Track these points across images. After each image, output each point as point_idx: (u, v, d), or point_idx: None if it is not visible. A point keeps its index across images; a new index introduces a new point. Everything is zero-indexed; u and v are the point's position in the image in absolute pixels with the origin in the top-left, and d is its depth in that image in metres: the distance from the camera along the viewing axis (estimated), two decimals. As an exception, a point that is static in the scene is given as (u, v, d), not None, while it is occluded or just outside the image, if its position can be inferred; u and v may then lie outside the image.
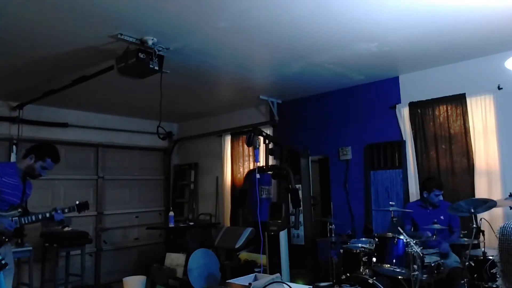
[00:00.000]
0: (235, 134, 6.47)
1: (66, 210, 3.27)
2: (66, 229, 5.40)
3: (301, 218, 4.77)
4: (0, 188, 2.95)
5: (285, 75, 4.71)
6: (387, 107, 4.92)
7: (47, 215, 3.19)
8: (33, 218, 3.12)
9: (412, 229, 4.12)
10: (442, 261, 3.44)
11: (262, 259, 4.47)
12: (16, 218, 3.03)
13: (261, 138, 4.64)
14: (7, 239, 2.97)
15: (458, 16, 3.27)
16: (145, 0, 2.86)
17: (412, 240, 3.31)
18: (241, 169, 6.30)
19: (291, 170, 4.70)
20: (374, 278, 3.43)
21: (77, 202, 3.42)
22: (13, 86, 4.87)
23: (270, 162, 5.33)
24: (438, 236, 3.62)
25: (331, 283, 3.98)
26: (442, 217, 3.83)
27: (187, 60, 4.07)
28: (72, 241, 5.34)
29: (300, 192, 4.89)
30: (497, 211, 3.89)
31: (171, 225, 5.79)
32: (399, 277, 3.40)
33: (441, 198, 4.06)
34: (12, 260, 3.18)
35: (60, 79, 4.51)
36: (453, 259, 3.68)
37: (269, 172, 5.13)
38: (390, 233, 3.56)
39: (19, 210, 3.07)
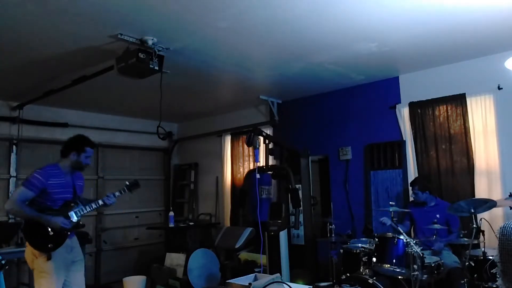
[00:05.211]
0: (235, 134, 6.46)
1: (117, 194, 3.41)
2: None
3: (301, 218, 4.77)
4: (49, 190, 3.07)
5: (285, 75, 4.71)
6: (387, 107, 4.92)
7: (100, 202, 3.36)
8: (88, 209, 3.30)
9: (411, 226, 4.17)
10: (442, 261, 3.44)
11: (262, 259, 4.48)
12: (72, 212, 3.20)
13: (261, 138, 4.65)
14: (68, 233, 3.14)
15: (458, 16, 3.27)
16: (145, 0, 2.86)
17: (412, 240, 3.31)
18: (241, 169, 6.30)
19: (291, 170, 4.70)
20: (374, 278, 3.42)
21: (127, 182, 3.55)
22: (13, 86, 4.87)
23: (270, 162, 5.33)
24: (437, 235, 3.62)
25: (331, 283, 3.99)
26: (438, 216, 3.84)
27: (187, 60, 4.07)
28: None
29: (300, 192, 4.88)
30: (497, 211, 3.90)
31: (171, 225, 5.79)
32: (399, 277, 3.39)
33: (418, 197, 4.09)
34: (81, 251, 3.33)
35: (60, 79, 4.51)
36: (453, 259, 3.68)
37: (269, 172, 5.13)
38: (390, 233, 3.56)
39: (72, 204, 3.22)
